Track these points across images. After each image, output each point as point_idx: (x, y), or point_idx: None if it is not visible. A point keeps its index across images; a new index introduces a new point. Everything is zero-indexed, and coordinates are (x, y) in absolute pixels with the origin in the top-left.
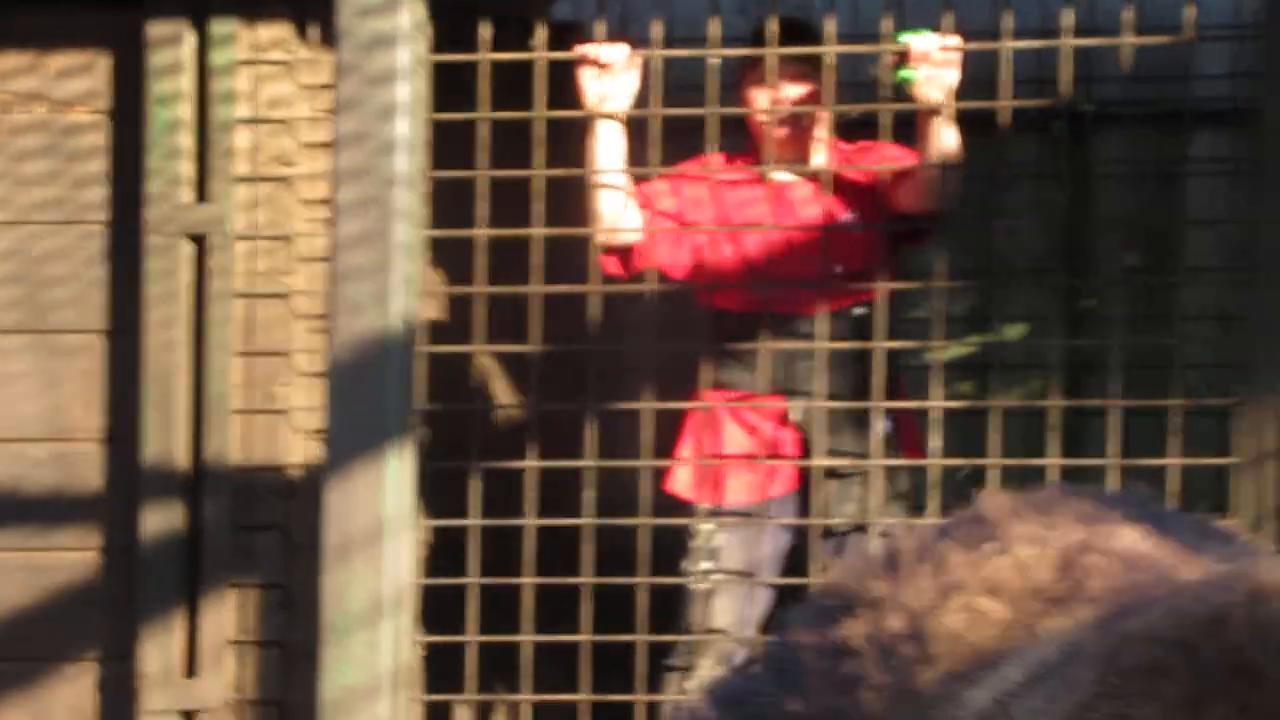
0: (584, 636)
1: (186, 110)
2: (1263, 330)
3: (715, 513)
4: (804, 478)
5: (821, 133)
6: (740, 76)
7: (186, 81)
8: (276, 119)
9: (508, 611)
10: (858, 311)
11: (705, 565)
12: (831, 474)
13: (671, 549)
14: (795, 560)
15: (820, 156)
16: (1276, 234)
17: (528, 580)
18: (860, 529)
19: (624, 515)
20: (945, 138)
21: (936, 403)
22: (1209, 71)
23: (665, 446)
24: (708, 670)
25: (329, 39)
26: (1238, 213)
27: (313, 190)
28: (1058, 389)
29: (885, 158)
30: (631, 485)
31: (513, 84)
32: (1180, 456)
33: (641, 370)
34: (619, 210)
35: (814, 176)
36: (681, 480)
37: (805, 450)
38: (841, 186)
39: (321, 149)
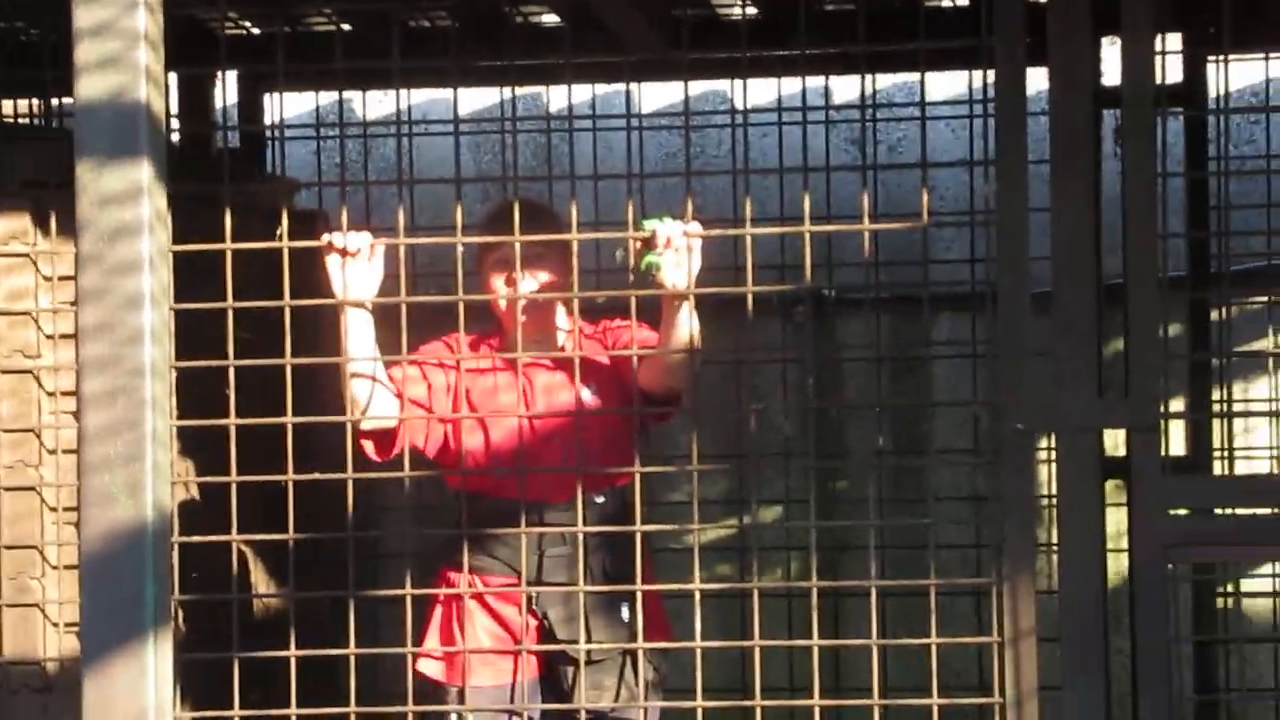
0: None
1: None
2: (1012, 510)
3: (462, 695)
4: (548, 664)
5: (563, 318)
6: (479, 261)
7: None
8: (19, 311)
9: None
10: (599, 499)
11: None
12: (588, 661)
13: None
14: None
15: (564, 340)
16: (1018, 414)
17: None
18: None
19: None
20: (690, 322)
21: (695, 585)
22: (946, 256)
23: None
24: None
25: (69, 229)
26: (981, 394)
27: (59, 381)
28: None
29: (629, 341)
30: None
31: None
32: (939, 636)
33: (398, 555)
34: (372, 396)
35: (558, 361)
36: (430, 663)
37: (549, 636)
38: (586, 369)
39: (65, 340)
